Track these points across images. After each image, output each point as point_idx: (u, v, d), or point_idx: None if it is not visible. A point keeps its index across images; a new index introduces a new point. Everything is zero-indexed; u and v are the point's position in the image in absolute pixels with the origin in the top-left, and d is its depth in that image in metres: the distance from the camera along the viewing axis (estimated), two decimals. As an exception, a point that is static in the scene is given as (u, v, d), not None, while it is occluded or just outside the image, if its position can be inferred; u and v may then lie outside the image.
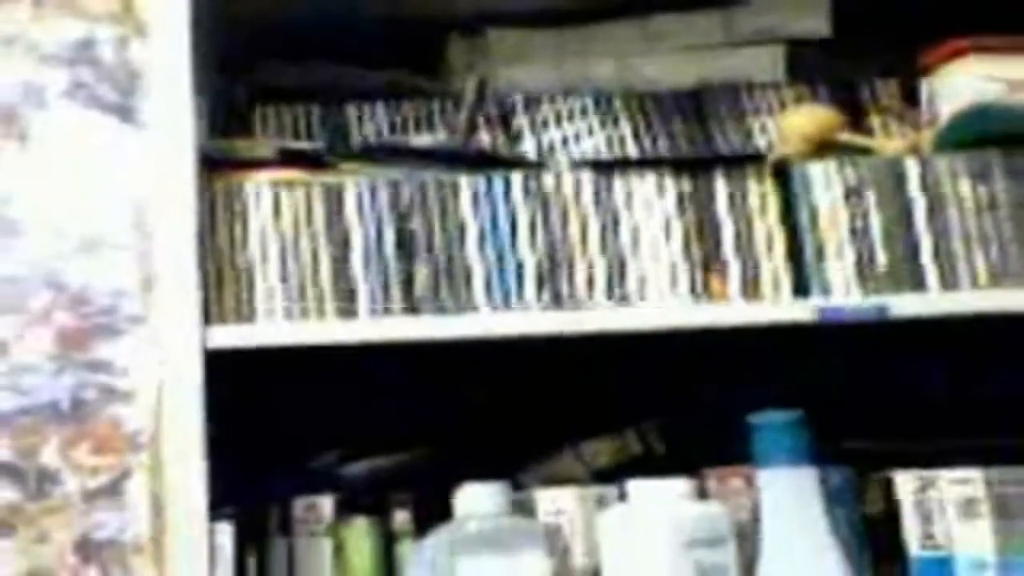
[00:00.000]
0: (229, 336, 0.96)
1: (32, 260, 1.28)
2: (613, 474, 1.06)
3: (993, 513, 0.96)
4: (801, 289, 0.99)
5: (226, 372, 0.99)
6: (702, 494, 0.98)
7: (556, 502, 1.01)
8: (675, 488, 0.93)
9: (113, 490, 1.21)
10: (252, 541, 0.99)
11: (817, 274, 1.00)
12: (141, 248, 1.30)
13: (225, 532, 0.95)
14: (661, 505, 0.93)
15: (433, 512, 1.01)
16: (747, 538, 0.97)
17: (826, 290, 0.99)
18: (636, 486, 0.95)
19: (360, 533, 1.02)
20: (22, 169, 1.31)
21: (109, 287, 1.29)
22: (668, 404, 1.13)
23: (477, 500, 0.96)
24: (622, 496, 1.00)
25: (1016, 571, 0.96)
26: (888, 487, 0.99)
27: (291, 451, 1.09)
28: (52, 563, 1.17)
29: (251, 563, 0.99)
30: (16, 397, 1.23)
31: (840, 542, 0.91)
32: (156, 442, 1.19)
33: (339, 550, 1.02)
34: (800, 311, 0.97)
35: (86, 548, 1.17)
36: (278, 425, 1.14)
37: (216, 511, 0.94)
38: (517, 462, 1.06)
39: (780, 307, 0.98)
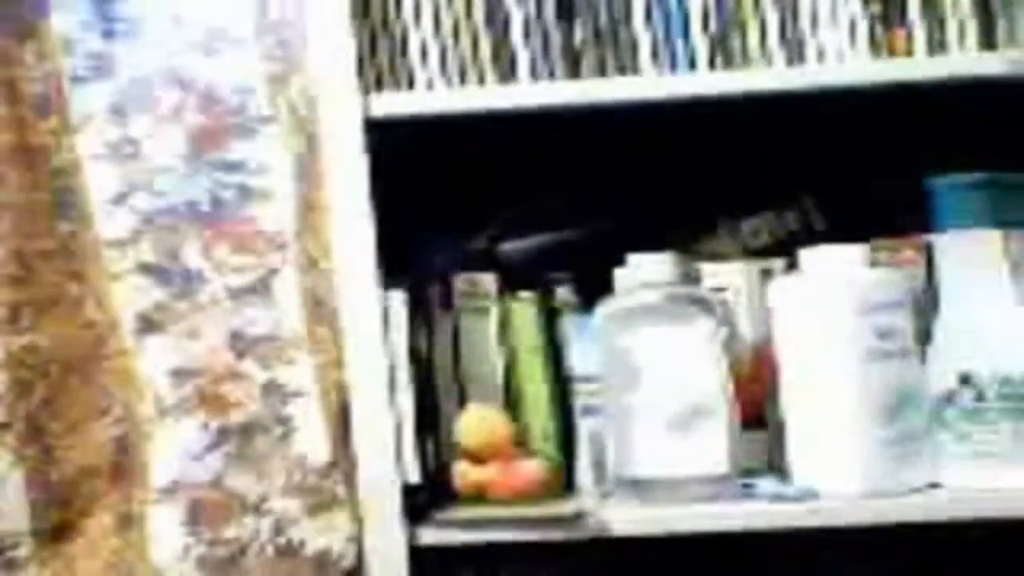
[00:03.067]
0: (389, 104, 0.94)
1: (157, 59, 1.26)
2: (770, 253, 1.03)
3: None
4: (989, 42, 0.93)
5: (385, 145, 0.97)
6: (874, 264, 0.94)
7: (721, 276, 0.99)
8: (849, 254, 0.90)
9: (260, 288, 1.21)
10: (416, 316, 0.98)
11: (1007, 23, 0.94)
12: (264, 42, 1.27)
13: (398, 298, 0.94)
14: (836, 271, 0.90)
15: (594, 288, 0.99)
16: (920, 309, 0.94)
17: (1016, 41, 0.94)
18: (808, 253, 0.92)
19: (524, 308, 1.01)
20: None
21: (235, 84, 1.26)
22: (832, 178, 1.09)
23: (646, 269, 0.94)
24: (788, 269, 0.98)
25: None
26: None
27: (450, 228, 1.08)
28: (206, 358, 1.18)
29: (422, 333, 0.98)
30: (154, 198, 1.22)
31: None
32: (301, 239, 1.19)
33: (503, 325, 1.01)
34: (990, 63, 0.92)
35: (240, 343, 1.18)
36: (437, 202, 1.12)
37: (387, 279, 0.93)
38: (674, 241, 1.04)
39: (967, 60, 0.92)
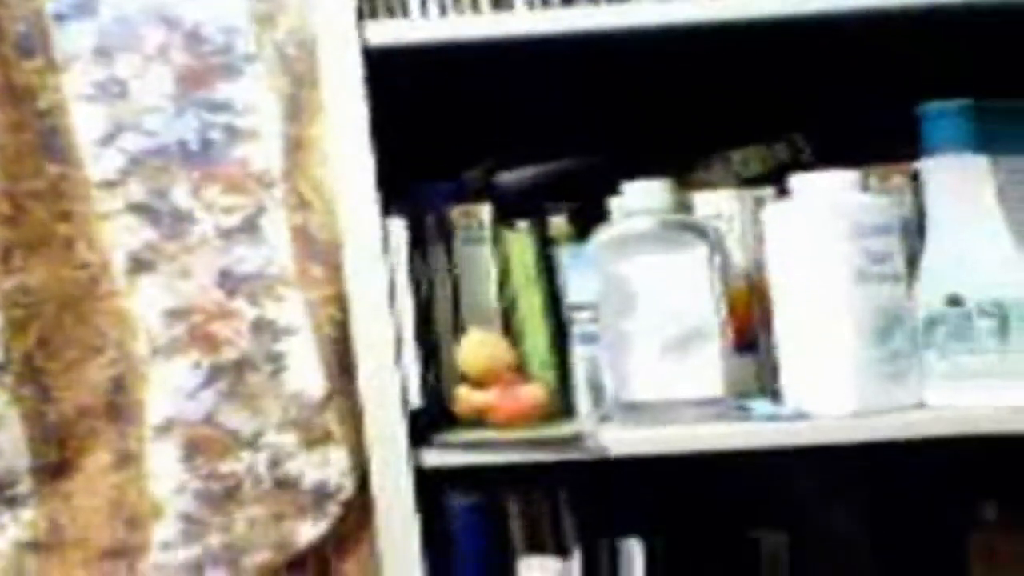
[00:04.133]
0: (384, 32, 0.94)
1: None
2: (762, 183, 1.05)
3: None
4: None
5: (381, 75, 0.98)
6: (864, 190, 0.97)
7: (714, 204, 1.01)
8: (840, 179, 0.93)
9: (249, 227, 1.21)
10: (413, 247, 1.00)
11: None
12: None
13: (398, 225, 0.95)
14: (827, 196, 0.92)
15: (589, 218, 1.01)
16: (909, 234, 0.96)
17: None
18: (800, 179, 0.95)
19: (520, 238, 1.03)
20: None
21: (221, 24, 1.26)
22: (822, 109, 1.11)
23: (641, 197, 0.96)
24: (780, 197, 1.00)
25: None
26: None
27: (444, 160, 1.09)
28: (197, 298, 1.18)
29: (419, 264, 1.00)
30: (142, 139, 1.22)
31: (1015, 232, 0.91)
32: (289, 178, 1.19)
33: (500, 255, 1.02)
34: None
35: (230, 281, 1.18)
36: (433, 134, 1.13)
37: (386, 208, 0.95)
38: (666, 171, 1.06)
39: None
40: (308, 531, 1.15)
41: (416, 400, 0.97)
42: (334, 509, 1.17)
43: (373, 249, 0.95)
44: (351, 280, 0.95)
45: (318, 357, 1.14)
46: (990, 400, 0.90)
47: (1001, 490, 1.10)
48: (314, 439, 1.17)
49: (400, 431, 0.95)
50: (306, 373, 1.15)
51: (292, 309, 1.16)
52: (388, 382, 0.95)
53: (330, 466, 1.17)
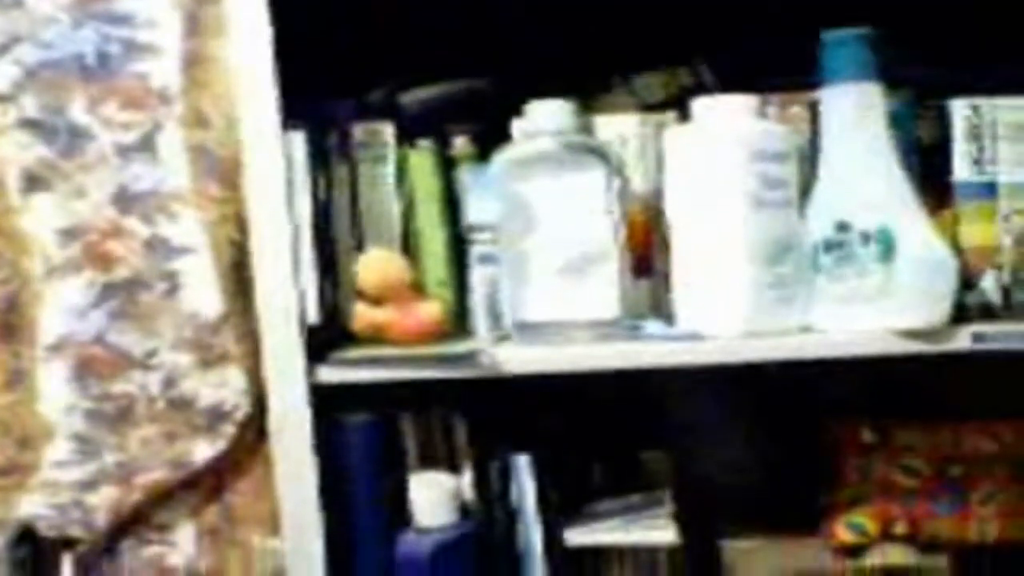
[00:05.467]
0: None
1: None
2: (664, 109, 1.06)
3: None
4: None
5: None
6: (763, 117, 0.98)
7: (616, 128, 1.02)
8: (740, 104, 0.94)
9: (146, 144, 1.19)
10: (315, 165, 0.99)
11: None
12: None
13: (298, 139, 0.94)
14: (726, 120, 0.94)
15: (491, 139, 1.01)
16: (804, 163, 0.98)
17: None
18: (701, 103, 0.96)
19: (422, 157, 1.02)
20: None
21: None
22: (725, 37, 1.12)
23: (543, 117, 0.96)
24: (681, 122, 1.01)
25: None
26: (943, 114, 0.99)
27: (348, 79, 1.08)
28: (92, 216, 1.16)
29: (321, 181, 0.99)
30: (39, 50, 1.18)
31: (900, 161, 0.93)
32: (187, 95, 1.17)
33: (401, 174, 1.02)
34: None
35: (124, 199, 1.16)
36: (336, 51, 1.12)
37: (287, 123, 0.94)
38: (568, 96, 1.05)
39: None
40: (204, 451, 1.15)
41: (314, 317, 0.96)
42: (230, 429, 1.17)
43: (273, 163, 0.93)
44: (250, 194, 0.94)
45: (215, 277, 1.13)
46: (874, 323, 0.92)
47: (879, 412, 1.14)
48: (210, 359, 1.16)
49: (297, 346, 0.94)
50: (202, 293, 1.15)
51: (188, 228, 1.15)
52: (286, 298, 0.94)
53: (226, 387, 1.16)
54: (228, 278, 1.13)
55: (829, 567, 1.05)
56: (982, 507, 1.06)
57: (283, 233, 0.93)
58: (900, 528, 1.06)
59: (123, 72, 1.19)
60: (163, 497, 1.16)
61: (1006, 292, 0.96)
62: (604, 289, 0.95)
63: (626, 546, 1.02)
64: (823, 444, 1.11)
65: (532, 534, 1.00)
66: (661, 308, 1.01)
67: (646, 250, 1.01)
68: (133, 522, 1.17)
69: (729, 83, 1.07)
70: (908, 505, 1.06)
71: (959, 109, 0.98)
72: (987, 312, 0.96)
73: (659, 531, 1.01)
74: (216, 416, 1.14)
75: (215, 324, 1.13)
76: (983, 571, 1.05)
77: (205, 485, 1.16)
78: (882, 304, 0.91)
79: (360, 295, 0.98)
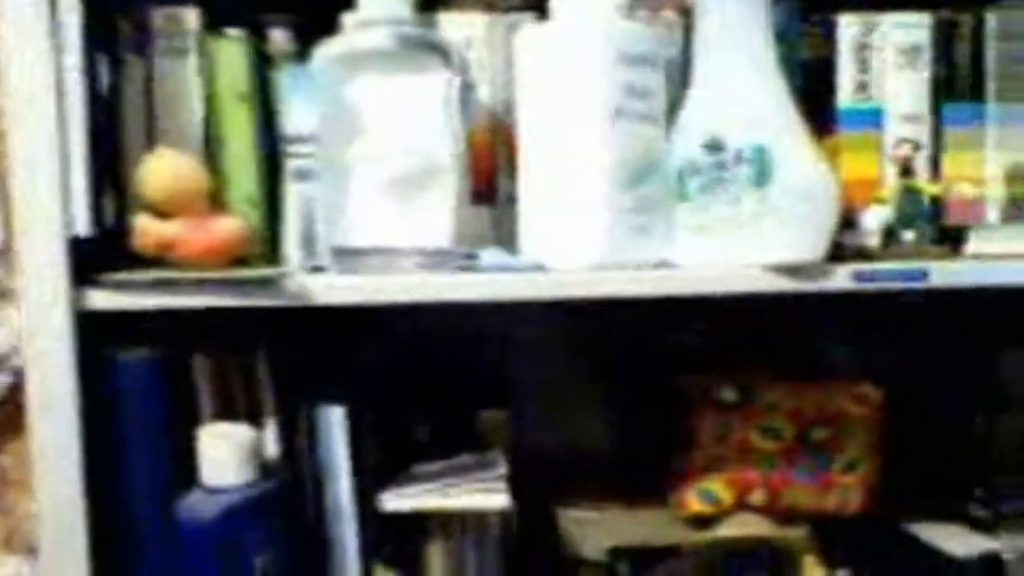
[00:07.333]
0: None
1: None
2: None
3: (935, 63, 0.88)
4: None
5: None
6: (632, 18, 0.86)
7: (463, 27, 0.88)
8: (604, 2, 0.81)
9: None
10: (104, 55, 0.82)
11: None
12: None
13: (71, 23, 0.77)
14: (588, 19, 0.81)
15: (316, 34, 0.86)
16: (673, 78, 0.86)
17: None
18: (559, 1, 0.82)
19: (232, 49, 0.86)
20: None
21: None
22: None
23: (378, 6, 0.81)
24: (538, 21, 0.87)
25: (950, 123, 0.89)
26: (829, 31, 0.88)
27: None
28: None
29: (106, 71, 0.82)
30: None
31: (782, 78, 0.81)
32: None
33: (206, 68, 0.86)
34: None
35: None
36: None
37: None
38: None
39: None
40: None
41: (84, 228, 0.79)
42: (2, 378, 0.98)
43: (39, 48, 0.76)
44: (11, 84, 0.76)
45: (-3, 198, 0.96)
46: (743, 257, 0.80)
47: (739, 367, 1.03)
48: None
49: (59, 264, 0.77)
50: None
51: None
52: (47, 205, 0.77)
53: (3, 326, 0.98)
54: (8, 201, 0.95)
55: (677, 539, 0.93)
56: (843, 475, 0.96)
57: (47, 132, 0.76)
58: (757, 497, 0.95)
59: None
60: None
61: (888, 232, 0.85)
62: (436, 212, 0.82)
63: (452, 512, 0.88)
64: (676, 402, 0.98)
65: (342, 497, 0.85)
66: (503, 240, 0.87)
67: (489, 172, 0.87)
68: None
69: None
70: (766, 471, 0.96)
71: (847, 26, 0.87)
72: (865, 256, 0.85)
73: (490, 495, 0.87)
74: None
75: (-7, 253, 0.97)
76: (844, 544, 0.95)
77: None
78: (753, 235, 0.79)
79: (145, 206, 0.81)
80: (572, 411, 1.08)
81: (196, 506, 0.81)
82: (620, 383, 1.07)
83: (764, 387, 0.98)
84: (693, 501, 0.97)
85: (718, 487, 0.97)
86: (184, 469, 0.83)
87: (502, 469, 0.91)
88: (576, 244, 0.81)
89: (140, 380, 0.81)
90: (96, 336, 0.80)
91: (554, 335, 1.07)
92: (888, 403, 0.98)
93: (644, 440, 1.05)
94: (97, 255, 0.81)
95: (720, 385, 0.97)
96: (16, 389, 1.04)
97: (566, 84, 0.80)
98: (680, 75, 0.87)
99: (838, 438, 0.98)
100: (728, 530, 0.97)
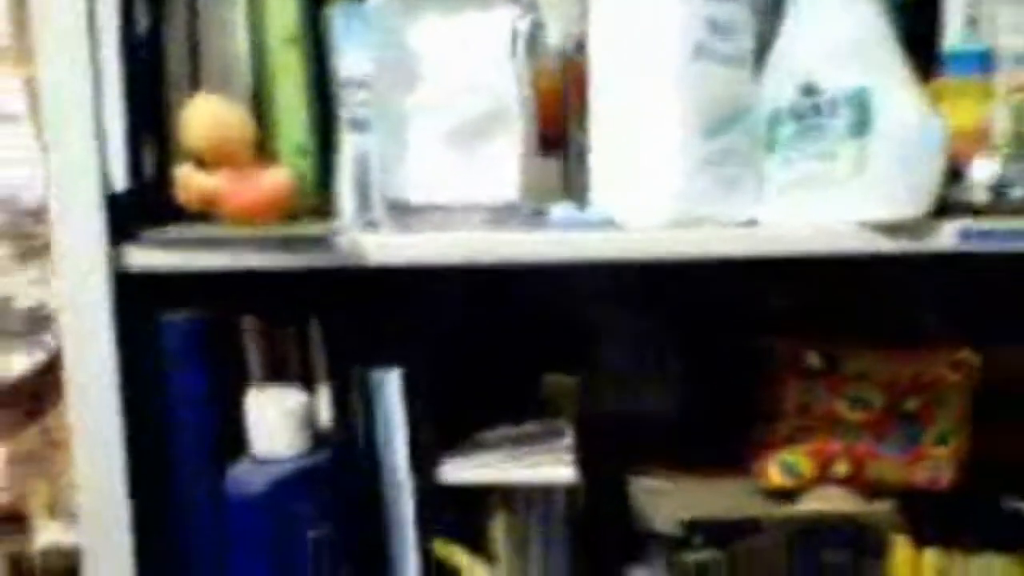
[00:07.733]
0: None
1: None
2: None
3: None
4: None
5: None
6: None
7: (529, -37, 0.80)
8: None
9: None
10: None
11: None
12: None
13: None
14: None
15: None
16: (765, 15, 0.78)
17: None
18: (637, -70, 0.74)
19: (280, -11, 0.80)
20: None
21: None
22: None
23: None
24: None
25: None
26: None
27: None
28: None
29: (147, 13, 0.76)
30: None
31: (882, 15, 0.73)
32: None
33: (253, 9, 0.79)
34: None
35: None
36: None
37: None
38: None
39: None
40: (21, 362, 0.99)
41: (121, 182, 0.73)
42: (50, 338, 0.94)
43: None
44: (39, 24, 0.70)
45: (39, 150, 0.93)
46: (839, 214, 0.73)
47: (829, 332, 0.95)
48: (30, 251, 0.99)
49: (97, 221, 0.72)
50: (24, 172, 0.97)
51: (9, 91, 0.96)
52: (83, 157, 0.72)
53: (47, 283, 0.94)
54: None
55: (756, 512, 0.87)
56: (935, 448, 0.89)
57: (81, 78, 0.70)
58: (840, 468, 0.89)
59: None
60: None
61: (998, 187, 0.77)
62: (503, 164, 0.75)
63: (516, 485, 0.82)
64: (757, 368, 0.91)
65: (399, 468, 0.80)
66: (573, 192, 0.80)
67: (559, 119, 0.80)
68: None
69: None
70: (851, 443, 0.89)
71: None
72: (972, 211, 0.77)
73: (557, 468, 0.82)
74: (34, 321, 0.97)
75: (37, 210, 0.95)
76: (934, 521, 0.88)
77: (21, 403, 0.99)
78: (850, 189, 0.72)
79: (188, 155, 0.75)
80: (644, 375, 1.02)
81: (244, 477, 0.76)
82: (695, 346, 1.01)
83: (852, 354, 0.91)
84: (775, 474, 0.91)
85: (800, 459, 0.91)
86: (232, 438, 0.78)
87: (569, 439, 0.85)
88: (651, 199, 0.74)
89: (184, 342, 0.76)
90: (137, 296, 0.75)
91: (627, 294, 1.00)
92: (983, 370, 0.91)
93: (721, 407, 0.99)
94: (137, 209, 0.75)
95: (806, 351, 0.90)
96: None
97: (641, 19, 0.73)
98: (771, 9, 0.79)
99: (931, 408, 0.91)
100: (810, 504, 0.91)
